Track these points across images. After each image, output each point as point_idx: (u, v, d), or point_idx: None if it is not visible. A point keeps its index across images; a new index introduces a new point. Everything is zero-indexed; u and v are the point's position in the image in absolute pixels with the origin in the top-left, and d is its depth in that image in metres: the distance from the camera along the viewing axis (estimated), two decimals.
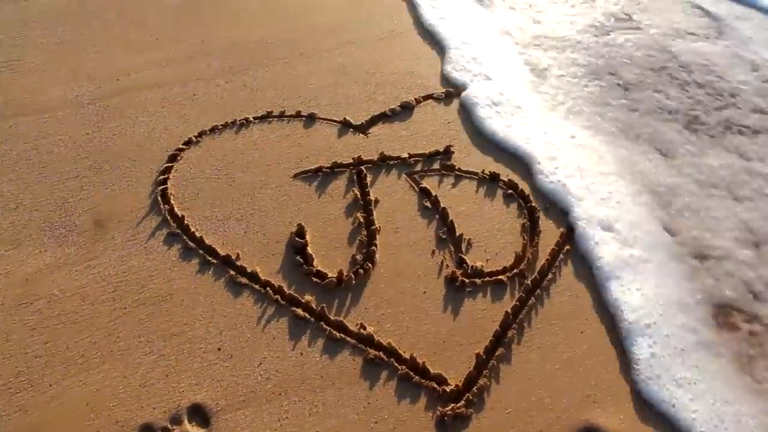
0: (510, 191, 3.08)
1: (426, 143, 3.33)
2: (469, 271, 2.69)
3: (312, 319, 2.49)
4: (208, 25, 4.14)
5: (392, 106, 3.53)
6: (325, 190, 3.05)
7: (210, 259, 2.68)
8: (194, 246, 2.73)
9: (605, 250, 2.76)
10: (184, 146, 3.21)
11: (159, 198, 2.92)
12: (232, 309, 2.51)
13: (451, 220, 2.89)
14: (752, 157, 3.35)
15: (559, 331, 2.50)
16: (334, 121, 3.44)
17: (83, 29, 4.03)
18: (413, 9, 4.39)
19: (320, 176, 3.12)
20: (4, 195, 2.91)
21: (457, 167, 3.19)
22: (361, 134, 3.38)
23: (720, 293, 2.65)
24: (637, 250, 2.76)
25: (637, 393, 2.31)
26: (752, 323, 2.56)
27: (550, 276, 2.70)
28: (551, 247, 2.81)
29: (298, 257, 2.70)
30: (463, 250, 2.79)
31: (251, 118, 3.41)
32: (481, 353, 2.38)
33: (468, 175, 3.16)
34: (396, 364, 2.35)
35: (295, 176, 3.11)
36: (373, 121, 3.46)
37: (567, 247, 2.81)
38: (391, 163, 3.20)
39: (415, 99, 3.59)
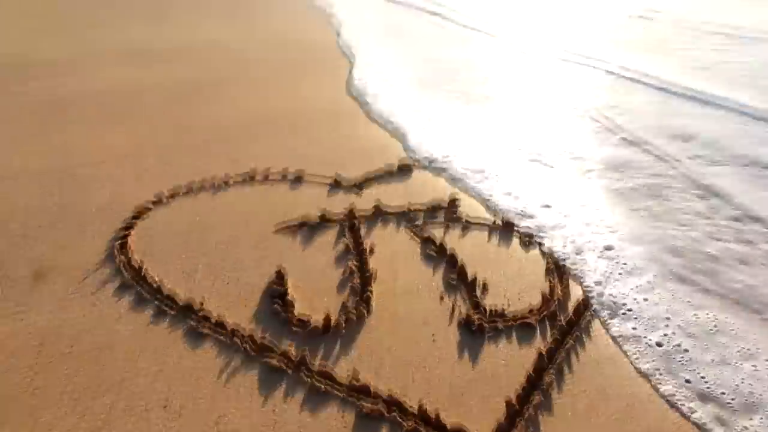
0: (527, 238, 2.64)
1: (426, 198, 2.95)
2: (487, 314, 2.17)
3: (289, 370, 1.92)
4: (189, 105, 3.98)
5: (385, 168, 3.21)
6: (311, 243, 2.61)
7: (167, 308, 2.17)
8: (149, 295, 2.23)
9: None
10: (152, 204, 2.83)
11: (116, 250, 2.47)
12: (189, 361, 1.96)
13: (462, 264, 2.42)
14: None
15: (609, 374, 1.93)
16: (324, 180, 3.09)
17: (65, 114, 3.86)
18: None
19: (306, 229, 2.70)
20: None
21: (464, 218, 2.78)
22: (353, 192, 3.01)
23: None
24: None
25: None
26: None
27: (588, 316, 2.17)
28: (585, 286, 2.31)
29: (275, 305, 2.19)
30: (478, 293, 2.29)
31: (230, 180, 3.06)
32: (513, 400, 1.79)
33: (478, 225, 2.74)
34: (401, 418, 1.75)
35: (277, 230, 2.68)
36: (367, 180, 3.12)
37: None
38: (389, 215, 2.80)
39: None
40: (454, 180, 3.16)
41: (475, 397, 1.83)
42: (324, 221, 2.74)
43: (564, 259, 2.47)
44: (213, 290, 2.29)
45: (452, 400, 1.82)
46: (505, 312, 2.18)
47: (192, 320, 2.11)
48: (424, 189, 3.05)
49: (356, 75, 4.92)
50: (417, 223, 2.74)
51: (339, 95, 4.46)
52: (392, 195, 2.97)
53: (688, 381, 1.88)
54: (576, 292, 2.30)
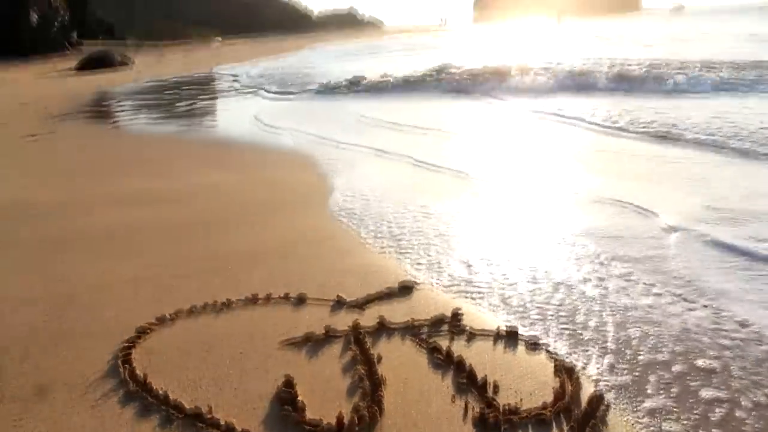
0: (533, 345, 2.67)
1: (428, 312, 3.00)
2: (501, 409, 2.14)
3: None
4: (189, 238, 4.12)
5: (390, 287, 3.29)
6: (318, 355, 2.61)
7: (174, 413, 2.11)
8: (155, 402, 2.18)
9: None
10: (155, 323, 2.84)
11: (119, 362, 2.45)
12: None
13: (471, 366, 2.42)
14: None
15: None
16: (326, 300, 3.14)
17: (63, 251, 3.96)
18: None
19: (311, 344, 2.71)
20: None
21: (468, 328, 2.82)
22: (356, 310, 3.06)
23: None
24: None
25: None
26: None
27: (603, 407, 2.15)
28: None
29: (285, 408, 2.15)
30: (490, 392, 2.27)
31: (234, 300, 3.11)
32: None
33: (482, 335, 2.77)
34: None
35: (282, 346, 2.69)
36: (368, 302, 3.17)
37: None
38: (393, 328, 2.83)
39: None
40: (455, 294, 3.22)
41: None
42: (329, 336, 2.75)
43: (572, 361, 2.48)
44: (220, 397, 2.24)
45: None
46: (519, 408, 2.15)
47: (200, 424, 2.05)
48: (426, 304, 3.10)
49: (342, 205, 5.03)
50: (422, 335, 2.77)
51: (326, 223, 4.58)
52: (395, 312, 3.01)
53: None
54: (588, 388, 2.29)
